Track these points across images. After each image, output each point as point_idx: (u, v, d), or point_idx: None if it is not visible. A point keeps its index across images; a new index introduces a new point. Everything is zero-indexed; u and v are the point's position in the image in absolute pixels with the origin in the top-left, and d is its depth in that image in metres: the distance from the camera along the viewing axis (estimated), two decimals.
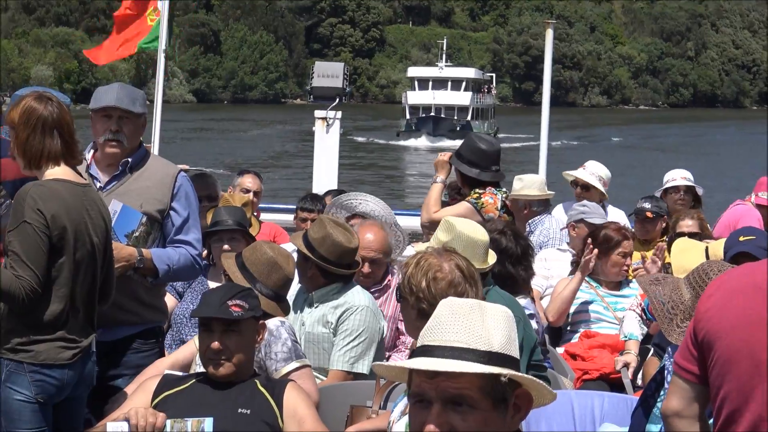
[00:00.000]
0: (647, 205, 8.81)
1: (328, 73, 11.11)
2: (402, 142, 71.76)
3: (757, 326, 3.26)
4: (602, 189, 9.14)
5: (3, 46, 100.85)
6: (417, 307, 4.28)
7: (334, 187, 10.26)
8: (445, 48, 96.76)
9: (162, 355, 5.74)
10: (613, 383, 6.93)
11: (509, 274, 6.33)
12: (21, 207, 4.66)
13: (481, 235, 5.82)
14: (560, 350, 7.28)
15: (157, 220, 5.55)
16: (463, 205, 7.50)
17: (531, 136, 55.28)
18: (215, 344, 4.59)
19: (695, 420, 3.49)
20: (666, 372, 4.59)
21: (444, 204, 8.11)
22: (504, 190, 7.61)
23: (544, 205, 9.07)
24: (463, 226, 5.81)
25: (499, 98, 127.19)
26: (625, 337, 7.16)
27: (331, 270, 5.87)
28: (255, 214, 8.43)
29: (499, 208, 7.45)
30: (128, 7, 11.71)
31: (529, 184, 8.36)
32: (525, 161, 39.61)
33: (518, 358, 2.89)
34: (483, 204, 7.43)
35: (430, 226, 7.24)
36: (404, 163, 60.69)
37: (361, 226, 6.56)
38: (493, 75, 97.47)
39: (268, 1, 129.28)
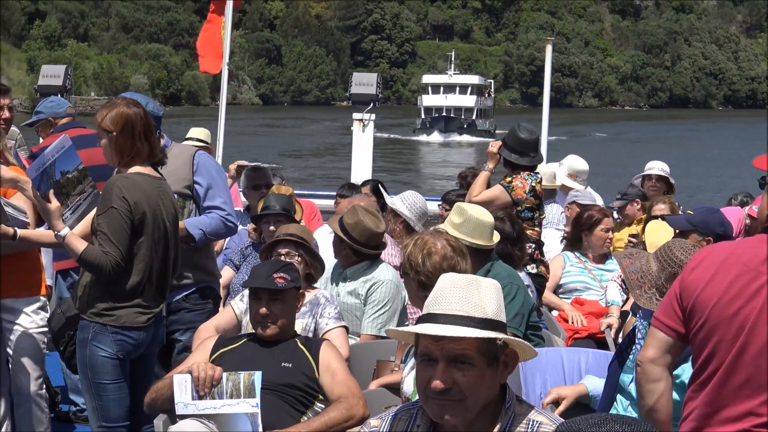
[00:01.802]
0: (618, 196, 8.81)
1: (364, 82, 11.04)
2: (416, 138, 71.56)
3: (745, 299, 3.18)
4: (573, 185, 8.99)
5: (107, 59, 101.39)
6: (416, 280, 4.20)
7: (369, 176, 10.18)
8: (453, 59, 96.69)
9: (215, 312, 5.66)
10: (599, 341, 6.84)
11: (508, 252, 6.26)
12: (109, 195, 4.61)
13: (488, 217, 5.76)
14: (554, 314, 7.19)
15: (187, 195, 5.48)
16: (497, 188, 7.28)
17: None
18: (263, 310, 4.55)
19: (665, 368, 3.41)
20: (636, 330, 4.53)
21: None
22: (535, 176, 7.33)
23: (551, 194, 9.02)
24: (473, 211, 5.75)
25: (510, 100, 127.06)
26: (608, 303, 7.08)
27: (361, 250, 5.80)
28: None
29: (527, 191, 7.22)
30: (209, 20, 11.48)
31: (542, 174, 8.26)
32: None
33: (506, 322, 2.90)
34: (513, 187, 7.21)
35: None
36: (419, 155, 60.47)
37: None
38: (492, 81, 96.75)
39: (321, 22, 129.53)
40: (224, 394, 4.30)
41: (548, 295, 7.28)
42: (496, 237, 5.78)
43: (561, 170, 9.15)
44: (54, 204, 4.61)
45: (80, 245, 4.60)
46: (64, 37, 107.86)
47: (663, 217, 7.28)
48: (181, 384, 4.31)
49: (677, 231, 5.96)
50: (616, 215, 8.55)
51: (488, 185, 7.35)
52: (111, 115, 4.68)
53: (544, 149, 11.41)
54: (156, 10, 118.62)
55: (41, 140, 7.17)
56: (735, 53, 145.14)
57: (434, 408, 2.82)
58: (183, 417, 4.29)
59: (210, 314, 5.54)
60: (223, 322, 5.21)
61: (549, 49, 11.83)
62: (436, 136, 71.05)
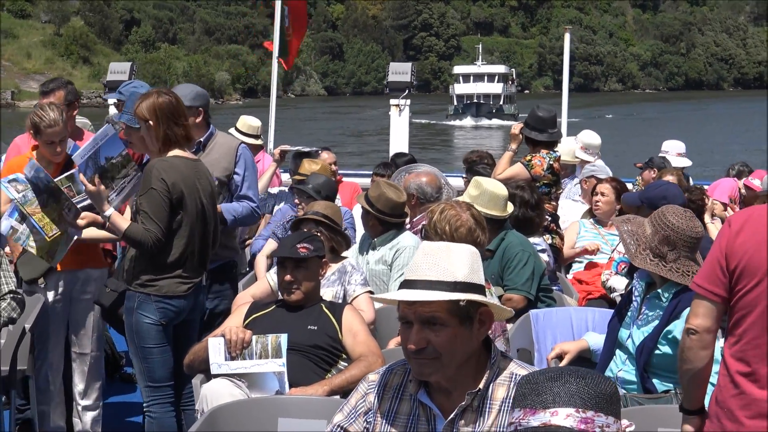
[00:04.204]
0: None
1: (400, 71, 10.77)
2: (450, 122, 71.10)
3: None
4: (581, 154, 8.69)
5: (195, 59, 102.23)
6: None
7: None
8: (481, 51, 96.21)
9: (235, 282, 5.51)
10: (611, 301, 6.56)
11: (528, 217, 6.08)
12: (149, 177, 4.42)
13: (502, 190, 5.58)
14: (570, 276, 6.93)
15: (224, 183, 5.26)
16: (518, 166, 7.03)
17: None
18: (288, 277, 4.37)
19: (715, 334, 3.11)
20: (633, 289, 4.31)
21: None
22: (554, 154, 7.04)
23: (570, 168, 8.82)
24: (488, 184, 5.57)
25: (543, 87, 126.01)
26: (610, 287, 6.82)
27: (386, 219, 5.58)
28: (336, 178, 8.13)
29: (545, 169, 6.96)
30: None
31: (562, 151, 8.00)
32: None
33: (482, 284, 2.70)
34: (532, 165, 6.97)
35: None
36: (453, 138, 60.06)
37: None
38: (513, 70, 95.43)
39: (377, 21, 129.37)
40: (254, 355, 4.12)
41: (566, 251, 7.05)
42: (510, 208, 5.58)
43: (575, 143, 8.89)
44: (100, 188, 4.44)
45: (124, 224, 4.43)
46: (157, 41, 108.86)
47: None
48: (215, 346, 4.14)
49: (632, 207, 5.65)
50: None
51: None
52: (146, 105, 4.48)
53: (564, 129, 11.13)
54: (234, 15, 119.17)
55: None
56: (743, 40, 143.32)
57: (414, 366, 2.69)
58: (217, 376, 4.11)
59: (231, 285, 5.40)
60: (259, 291, 5.02)
61: (567, 37, 11.57)
62: (468, 121, 70.77)
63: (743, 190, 8.91)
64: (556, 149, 7.16)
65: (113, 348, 6.83)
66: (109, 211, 4.43)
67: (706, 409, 3.14)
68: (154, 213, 4.37)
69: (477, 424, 2.65)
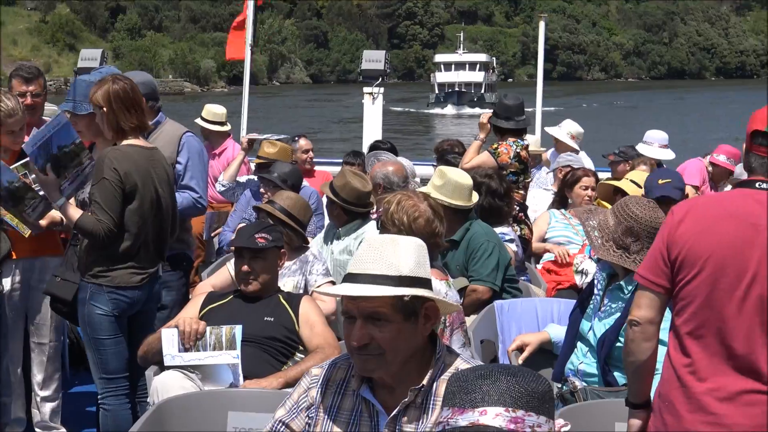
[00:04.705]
0: (615, 151, 8.43)
1: (373, 59, 10.64)
2: (431, 111, 70.65)
3: (740, 247, 2.82)
4: (570, 143, 8.66)
5: (180, 47, 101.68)
6: None
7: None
8: (462, 39, 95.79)
9: (187, 275, 5.39)
10: (580, 291, 6.49)
11: (496, 206, 5.97)
12: (101, 166, 4.30)
13: (466, 180, 5.47)
14: (539, 266, 6.84)
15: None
16: (485, 155, 6.94)
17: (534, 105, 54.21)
18: (245, 267, 4.27)
19: (659, 325, 3.03)
20: (595, 281, 4.22)
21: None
22: (521, 142, 6.95)
23: (538, 158, 8.76)
24: (452, 174, 5.46)
25: (527, 75, 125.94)
26: (581, 270, 6.73)
27: (351, 209, 5.47)
28: (309, 166, 8.03)
29: (511, 157, 6.87)
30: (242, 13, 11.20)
31: (532, 141, 7.95)
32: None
33: (428, 278, 2.59)
34: (499, 153, 6.88)
35: None
36: (434, 126, 59.82)
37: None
38: (494, 59, 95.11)
39: (361, 10, 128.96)
40: (208, 347, 4.03)
41: (535, 244, 6.93)
42: (475, 197, 5.47)
43: (561, 131, 8.79)
44: (51, 177, 4.31)
45: (76, 213, 4.31)
46: (143, 28, 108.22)
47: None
48: (168, 337, 4.05)
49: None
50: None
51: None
52: (100, 92, 4.35)
53: (538, 118, 11.04)
54: (219, 3, 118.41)
55: None
56: (725, 30, 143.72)
57: (357, 362, 2.59)
58: (171, 368, 4.01)
59: (181, 278, 5.30)
60: (219, 281, 4.91)
61: (542, 25, 11.45)
62: (449, 109, 70.27)
63: (710, 168, 8.82)
64: (524, 137, 7.08)
65: (78, 337, 6.70)
66: (61, 200, 4.30)
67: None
68: (105, 203, 4.26)
69: (420, 421, 2.56)
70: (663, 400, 2.95)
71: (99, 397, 4.48)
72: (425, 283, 2.57)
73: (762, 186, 2.90)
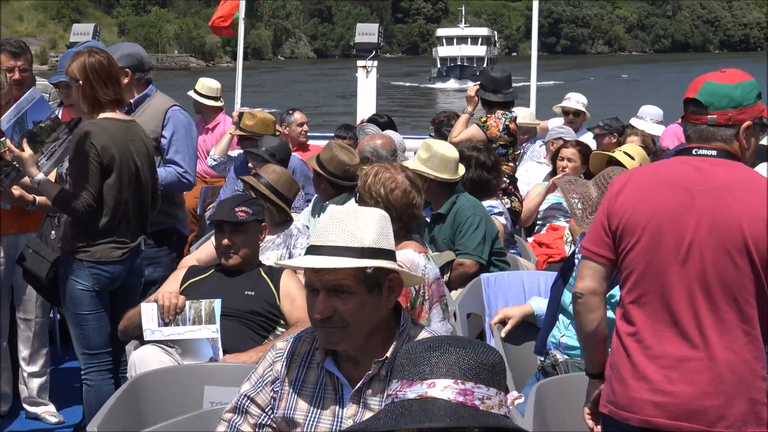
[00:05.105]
0: (600, 124, 8.35)
1: (367, 32, 10.54)
2: (433, 85, 70.13)
3: (677, 213, 2.84)
4: (587, 111, 8.69)
5: (186, 22, 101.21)
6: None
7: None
8: (464, 13, 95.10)
9: (178, 250, 5.33)
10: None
11: (485, 179, 5.92)
12: (78, 141, 4.25)
13: (452, 153, 5.42)
14: (531, 239, 6.79)
15: (155, 147, 5.00)
16: (473, 128, 6.89)
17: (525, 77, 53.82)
18: (225, 241, 4.22)
19: (603, 297, 3.05)
20: (576, 252, 4.17)
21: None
22: (510, 114, 6.91)
23: (533, 131, 8.69)
24: (438, 147, 5.41)
25: (530, 49, 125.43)
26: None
27: (338, 182, 5.42)
28: (304, 139, 7.97)
29: (501, 130, 6.82)
30: None
31: (521, 115, 7.83)
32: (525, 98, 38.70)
33: (392, 249, 2.54)
34: (488, 126, 6.83)
35: None
36: (436, 100, 59.44)
37: None
38: (496, 32, 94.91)
39: None
40: (187, 321, 3.99)
41: (528, 203, 6.87)
42: (461, 170, 5.42)
43: (572, 102, 8.75)
44: (27, 152, 4.25)
45: (54, 190, 4.27)
46: (147, 3, 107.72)
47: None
48: (147, 312, 4.01)
49: None
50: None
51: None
52: (76, 64, 4.29)
53: (533, 92, 10.95)
54: None
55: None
56: (729, 2, 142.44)
57: (321, 335, 2.56)
58: (150, 342, 3.97)
59: (171, 253, 5.24)
60: (203, 254, 4.85)
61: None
62: (452, 83, 69.97)
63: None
64: (512, 110, 7.01)
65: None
66: (39, 176, 4.25)
67: None
68: (83, 178, 4.21)
69: (385, 393, 2.52)
70: (612, 369, 2.97)
71: (82, 372, 4.45)
72: (388, 255, 2.53)
73: (699, 152, 2.92)
